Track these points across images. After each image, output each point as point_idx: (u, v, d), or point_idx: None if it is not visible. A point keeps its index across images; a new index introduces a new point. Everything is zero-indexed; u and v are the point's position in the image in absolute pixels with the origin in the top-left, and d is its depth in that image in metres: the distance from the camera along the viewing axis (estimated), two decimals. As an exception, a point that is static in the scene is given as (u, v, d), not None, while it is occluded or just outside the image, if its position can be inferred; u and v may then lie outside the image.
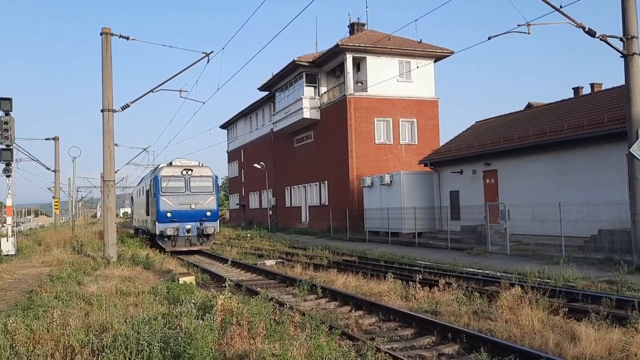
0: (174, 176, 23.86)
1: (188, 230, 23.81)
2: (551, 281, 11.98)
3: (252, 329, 6.90)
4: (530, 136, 23.12)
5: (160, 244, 23.72)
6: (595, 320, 7.95)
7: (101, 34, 18.24)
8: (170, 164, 24.71)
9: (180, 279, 12.40)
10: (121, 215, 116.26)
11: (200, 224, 23.96)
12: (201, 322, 6.67)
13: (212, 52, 18.56)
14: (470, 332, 7.85)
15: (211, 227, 24.20)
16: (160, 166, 25.34)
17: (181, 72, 19.16)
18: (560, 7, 14.13)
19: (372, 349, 6.70)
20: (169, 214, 23.35)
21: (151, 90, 19.47)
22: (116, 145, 19.96)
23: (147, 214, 26.62)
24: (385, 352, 6.96)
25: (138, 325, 6.76)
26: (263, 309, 7.80)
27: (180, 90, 19.96)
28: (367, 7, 67.06)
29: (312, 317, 7.81)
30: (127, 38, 18.58)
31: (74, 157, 39.94)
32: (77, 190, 73.21)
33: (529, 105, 37.97)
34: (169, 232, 23.24)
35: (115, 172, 19.64)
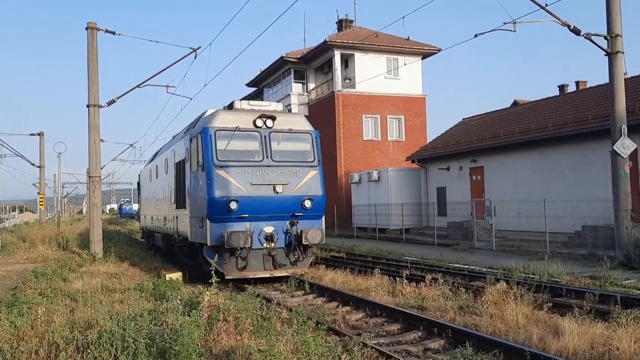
0: (241, 130, 12.80)
1: (269, 238, 12.69)
2: (536, 276, 12.11)
3: (239, 325, 6.90)
4: (516, 133, 23.30)
5: (212, 262, 12.28)
6: (578, 315, 8.05)
7: (87, 28, 18.08)
8: (231, 106, 13.78)
9: (166, 275, 12.37)
10: (107, 211, 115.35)
11: (292, 225, 12.91)
12: (187, 318, 6.66)
13: (200, 47, 18.45)
14: (456, 327, 7.92)
15: (314, 231, 12.81)
16: (209, 113, 13.84)
17: (168, 67, 19.07)
18: (546, 5, 14.24)
19: (359, 344, 6.73)
20: (232, 205, 12.17)
21: (138, 86, 19.34)
22: (102, 141, 19.84)
23: (179, 207, 15.19)
24: (372, 348, 6.99)
25: (124, 322, 6.72)
26: (250, 305, 7.80)
27: (167, 86, 19.87)
28: (355, 4, 67.11)
29: (299, 313, 7.83)
30: (114, 33, 18.44)
31: (60, 153, 39.53)
32: (63, 187, 72.55)
33: (515, 103, 38.25)
34: (235, 240, 11.95)
35: (101, 168, 19.49)
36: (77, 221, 55.86)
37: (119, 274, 13.65)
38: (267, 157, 12.84)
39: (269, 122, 13.05)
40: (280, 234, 12.83)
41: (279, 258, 12.81)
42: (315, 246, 14.67)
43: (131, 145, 42.13)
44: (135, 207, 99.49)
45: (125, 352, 6.03)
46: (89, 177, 18.97)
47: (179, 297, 8.40)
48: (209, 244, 12.38)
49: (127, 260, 16.84)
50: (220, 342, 6.52)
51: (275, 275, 12.85)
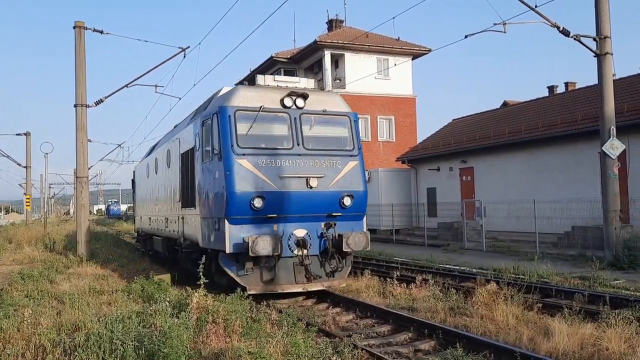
0: (266, 110, 10.66)
1: (301, 243, 10.50)
2: (526, 277, 12.14)
3: (228, 327, 6.84)
4: (505, 134, 23.40)
5: (230, 274, 10.41)
6: (568, 315, 8.06)
7: (74, 27, 17.90)
8: (253, 81, 11.93)
9: (155, 276, 12.25)
10: (95, 212, 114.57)
11: (328, 227, 10.78)
12: (176, 320, 6.59)
13: (189, 47, 18.34)
14: (447, 328, 7.90)
15: (357, 235, 10.66)
16: (225, 90, 11.61)
17: (156, 67, 18.95)
18: (536, 6, 14.30)
19: (349, 345, 6.69)
20: (257, 203, 10.14)
21: (126, 85, 19.21)
22: (90, 141, 19.69)
23: (185, 205, 12.90)
24: (362, 349, 6.96)
25: (111, 324, 6.63)
26: (239, 306, 7.74)
27: (156, 86, 19.75)
28: (345, 4, 66.93)
29: (289, 315, 7.77)
30: (101, 32, 18.29)
31: (46, 153, 39.30)
32: (50, 187, 72.02)
33: (504, 104, 38.44)
34: (263, 247, 9.80)
35: (89, 169, 19.33)
36: (64, 222, 55.40)
37: (107, 275, 13.52)
38: (298, 144, 10.65)
39: (300, 102, 10.92)
40: (314, 238, 10.62)
41: (313, 268, 10.54)
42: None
43: (119, 145, 41.82)
44: (123, 207, 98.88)
45: (113, 355, 5.95)
46: (76, 177, 18.80)
47: (168, 299, 8.31)
48: (227, 250, 10.09)
49: (114, 262, 16.71)
50: (210, 344, 6.46)
51: (309, 289, 10.66)
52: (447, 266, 15.43)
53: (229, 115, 10.43)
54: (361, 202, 11.12)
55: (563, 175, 20.45)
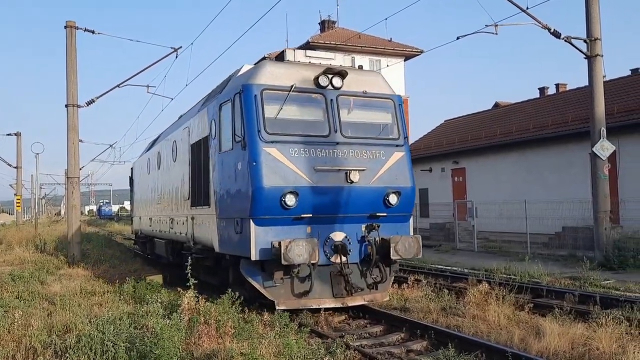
0: (298, 90, 9.21)
1: (340, 249, 9.02)
2: (517, 277, 12.20)
3: (220, 328, 6.82)
4: (497, 135, 23.52)
5: (255, 285, 8.88)
6: (559, 315, 8.11)
7: (65, 27, 17.80)
8: (282, 57, 10.18)
9: (146, 277, 12.21)
10: (86, 213, 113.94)
11: (370, 230, 9.26)
12: (168, 321, 6.57)
13: (181, 47, 18.31)
14: (439, 328, 7.93)
15: (406, 239, 9.20)
16: (245, 69, 10.35)
17: (148, 67, 18.89)
18: (527, 8, 14.39)
19: (342, 346, 6.70)
20: (289, 200, 8.65)
21: (117, 86, 19.14)
22: (81, 141, 19.59)
23: (197, 204, 11.44)
24: (355, 349, 6.97)
25: (103, 326, 6.61)
26: (231, 307, 7.72)
27: (148, 86, 19.71)
28: (337, 5, 67.15)
29: (281, 316, 7.77)
30: (93, 32, 18.21)
31: (37, 154, 38.95)
32: (41, 188, 71.53)
33: (496, 105, 38.60)
34: (298, 253, 8.23)
35: (80, 169, 19.23)
36: (55, 223, 55.05)
37: (98, 276, 13.45)
38: (335, 131, 9.11)
39: (337, 81, 9.38)
40: (353, 243, 9.12)
41: (353, 279, 9.01)
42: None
43: (111, 145, 41.61)
44: (115, 208, 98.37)
45: (104, 357, 5.94)
46: (68, 178, 18.68)
47: (159, 300, 8.28)
48: (253, 257, 8.52)
49: (106, 263, 16.61)
50: (202, 345, 6.44)
51: (349, 304, 9.09)
52: (439, 266, 15.48)
53: (255, 95, 8.86)
54: (409, 201, 9.66)
55: (554, 176, 20.59)
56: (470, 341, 7.18)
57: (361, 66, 10.16)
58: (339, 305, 9.03)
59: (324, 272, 8.91)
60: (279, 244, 8.20)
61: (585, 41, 14.81)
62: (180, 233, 12.79)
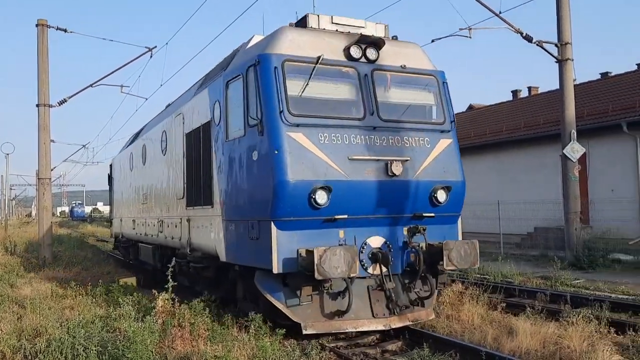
0: (326, 63, 7.60)
1: (380, 258, 7.43)
2: (490, 277, 12.37)
3: (195, 331, 6.77)
4: (471, 137, 23.83)
5: (276, 303, 7.25)
6: (530, 314, 8.24)
7: (37, 25, 17.49)
8: (304, 23, 8.25)
9: (119, 280, 12.05)
10: (58, 214, 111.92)
11: (414, 234, 7.74)
12: (141, 324, 6.49)
13: (156, 47, 18.12)
14: (413, 328, 7.98)
15: (461, 245, 7.64)
16: (256, 40, 8.71)
17: (122, 67, 18.68)
18: (500, 12, 14.60)
19: (317, 347, 6.70)
20: (320, 197, 7.03)
21: (90, 85, 18.88)
22: (53, 141, 19.24)
23: (194, 203, 9.97)
24: (330, 350, 6.98)
25: (74, 329, 6.50)
26: (206, 310, 7.66)
27: (122, 86, 19.49)
28: (314, 6, 66.93)
29: (255, 319, 7.73)
30: (65, 30, 17.94)
31: (7, 154, 38.16)
32: (11, 189, 70.04)
33: (470, 107, 39.11)
34: (334, 264, 6.62)
35: (52, 170, 18.89)
36: (26, 224, 53.95)
37: (70, 279, 13.20)
38: (372, 113, 7.61)
39: (372, 53, 7.92)
40: (395, 249, 7.63)
41: (396, 293, 7.60)
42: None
43: (84, 146, 40.98)
44: (87, 209, 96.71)
45: (75, 361, 5.83)
46: (39, 179, 18.35)
47: (132, 303, 8.18)
48: (276, 269, 6.90)
49: (78, 265, 16.33)
50: (176, 348, 6.38)
51: (393, 326, 7.59)
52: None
53: (275, 68, 7.25)
54: (459, 198, 8.18)
55: (527, 177, 20.94)
56: (445, 341, 7.26)
57: (396, 37, 8.58)
58: (380, 327, 7.49)
59: (360, 287, 7.42)
60: (310, 252, 6.64)
61: (556, 45, 15.09)
62: (172, 238, 11.22)
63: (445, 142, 8.16)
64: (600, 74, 26.05)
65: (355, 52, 7.80)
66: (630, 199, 17.47)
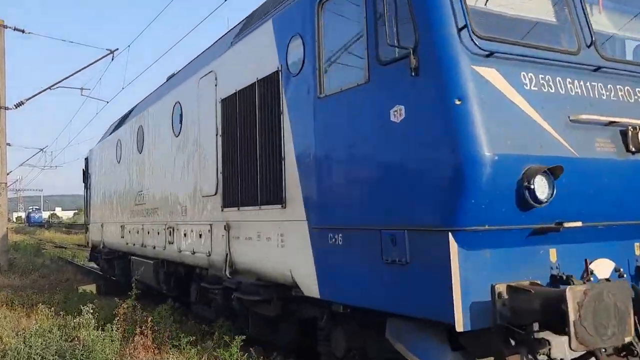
0: None
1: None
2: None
3: (157, 339, 6.67)
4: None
5: None
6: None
7: (-7, 25, 17.04)
8: None
9: (79, 287, 11.80)
10: (14, 220, 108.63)
11: None
12: (101, 332, 6.37)
13: (117, 49, 17.86)
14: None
15: None
16: None
17: (82, 69, 18.39)
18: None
19: (281, 354, 6.69)
20: (538, 187, 3.82)
21: (49, 87, 18.53)
22: (9, 145, 18.80)
23: (241, 204, 6.74)
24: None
25: (30, 339, 6.33)
26: (170, 317, 7.57)
27: (82, 89, 19.20)
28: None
29: (220, 326, 7.68)
30: (23, 31, 17.58)
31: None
32: (-36, 193, 67.71)
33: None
34: (602, 326, 3.44)
35: (8, 174, 18.40)
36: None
37: (27, 286, 12.87)
38: (588, 45, 4.66)
39: None
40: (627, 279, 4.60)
41: None
42: None
43: (41, 149, 40.07)
44: (45, 215, 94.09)
45: (31, 372, 5.68)
46: (-6, 183, 17.83)
47: (92, 311, 8.02)
48: (461, 324, 3.85)
49: (35, 272, 15.93)
50: (137, 356, 6.28)
51: None
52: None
53: None
54: None
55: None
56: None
57: None
58: None
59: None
60: (526, 292, 3.89)
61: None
62: (193, 252, 8.20)
63: None
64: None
65: None
66: None
